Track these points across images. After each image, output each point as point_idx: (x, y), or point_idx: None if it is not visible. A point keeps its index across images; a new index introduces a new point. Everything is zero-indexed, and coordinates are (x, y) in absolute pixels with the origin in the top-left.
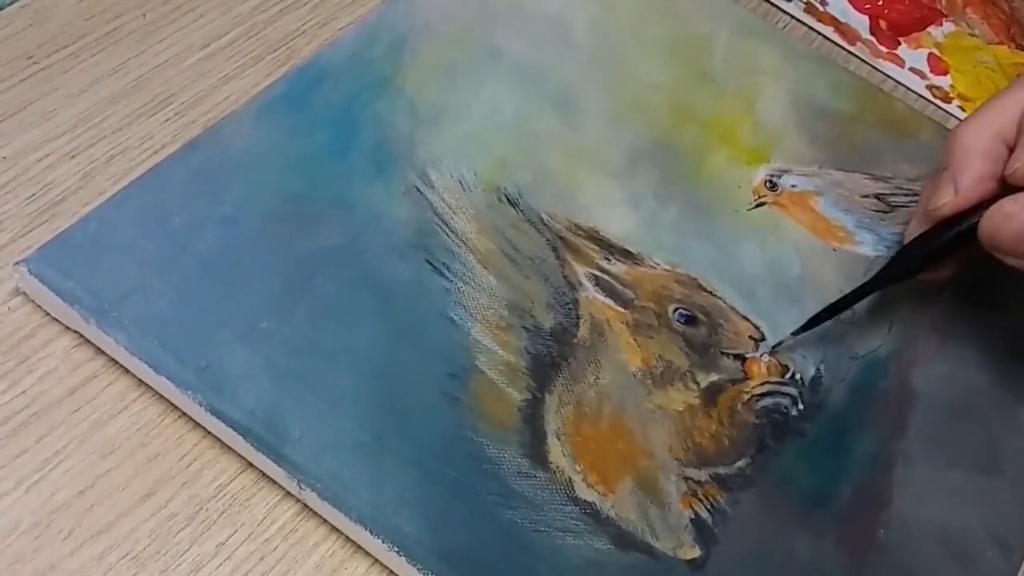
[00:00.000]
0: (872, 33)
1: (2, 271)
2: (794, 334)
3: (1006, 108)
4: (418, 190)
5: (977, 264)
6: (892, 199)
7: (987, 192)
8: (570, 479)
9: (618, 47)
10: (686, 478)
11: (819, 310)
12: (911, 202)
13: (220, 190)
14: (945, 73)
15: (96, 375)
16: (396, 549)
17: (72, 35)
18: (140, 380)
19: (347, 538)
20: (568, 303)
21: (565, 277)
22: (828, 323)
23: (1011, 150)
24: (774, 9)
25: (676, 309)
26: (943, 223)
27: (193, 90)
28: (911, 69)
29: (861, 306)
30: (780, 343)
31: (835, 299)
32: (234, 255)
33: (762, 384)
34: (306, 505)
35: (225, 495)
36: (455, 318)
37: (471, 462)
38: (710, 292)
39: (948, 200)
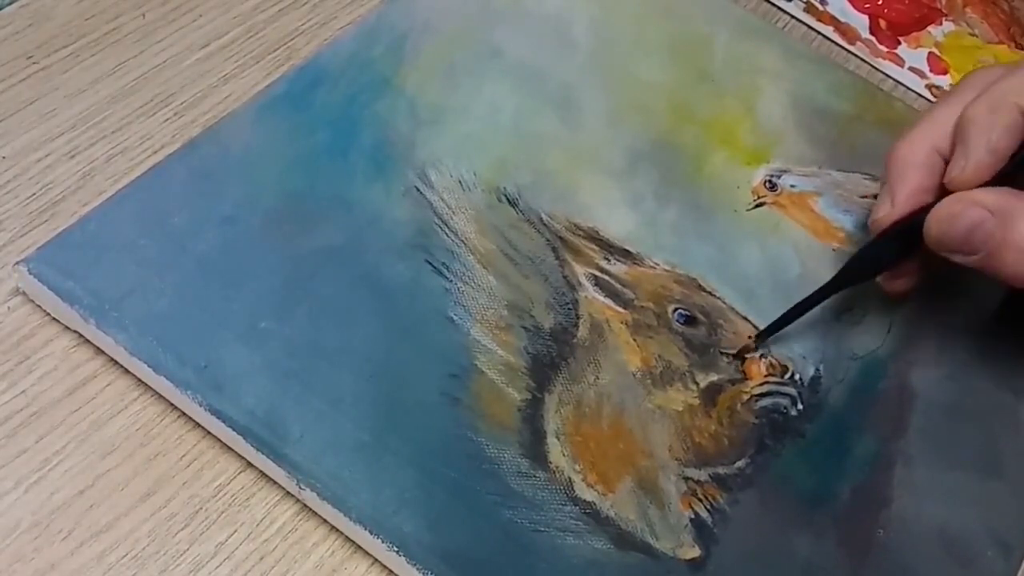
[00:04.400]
0: (872, 33)
1: (2, 271)
2: (757, 338)
3: (940, 121)
4: (418, 190)
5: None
6: None
7: (922, 203)
8: (570, 479)
9: (618, 47)
10: (686, 478)
11: (778, 316)
12: None
13: (220, 190)
14: (945, 72)
15: (96, 375)
16: (396, 549)
17: (72, 35)
18: (140, 380)
19: (347, 538)
20: (568, 303)
21: (565, 277)
22: (828, 322)
23: (947, 162)
24: (774, 9)
25: (676, 309)
26: (888, 232)
27: (192, 90)
28: (911, 69)
29: (861, 306)
30: (746, 347)
31: (796, 302)
32: (234, 255)
33: (761, 384)
34: (306, 505)
35: (225, 495)
36: (455, 318)
37: (471, 462)
38: (709, 292)
39: (885, 212)
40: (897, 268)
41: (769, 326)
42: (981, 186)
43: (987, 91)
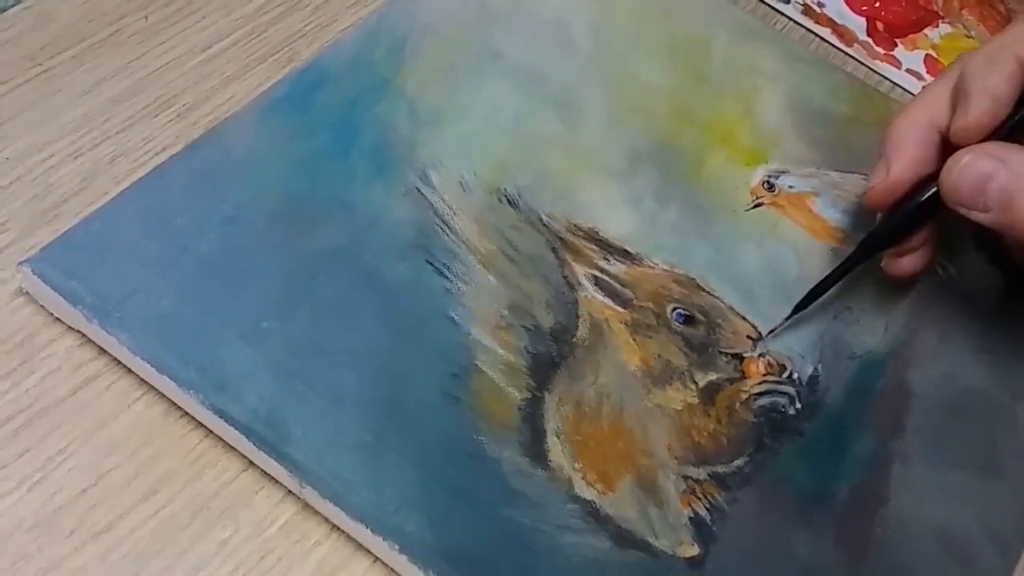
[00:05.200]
0: (869, 35)
1: (5, 271)
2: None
3: (938, 96)
4: (419, 191)
5: (977, 263)
6: None
7: (918, 174)
8: (570, 478)
9: (618, 49)
10: (685, 477)
11: (801, 297)
12: None
13: (222, 191)
14: None
15: (99, 375)
16: (397, 548)
17: (75, 37)
18: (143, 380)
19: (348, 537)
20: (568, 303)
21: (565, 277)
22: (827, 321)
23: (944, 136)
24: (772, 11)
25: (675, 309)
26: (901, 202)
27: (195, 92)
28: (908, 71)
29: (859, 305)
30: (770, 332)
31: (816, 282)
32: (236, 255)
33: (760, 383)
34: (307, 504)
35: (227, 494)
36: (455, 318)
37: (472, 461)
38: (709, 292)
39: (880, 179)
40: (906, 244)
41: (799, 302)
42: (988, 139)
43: (984, 47)
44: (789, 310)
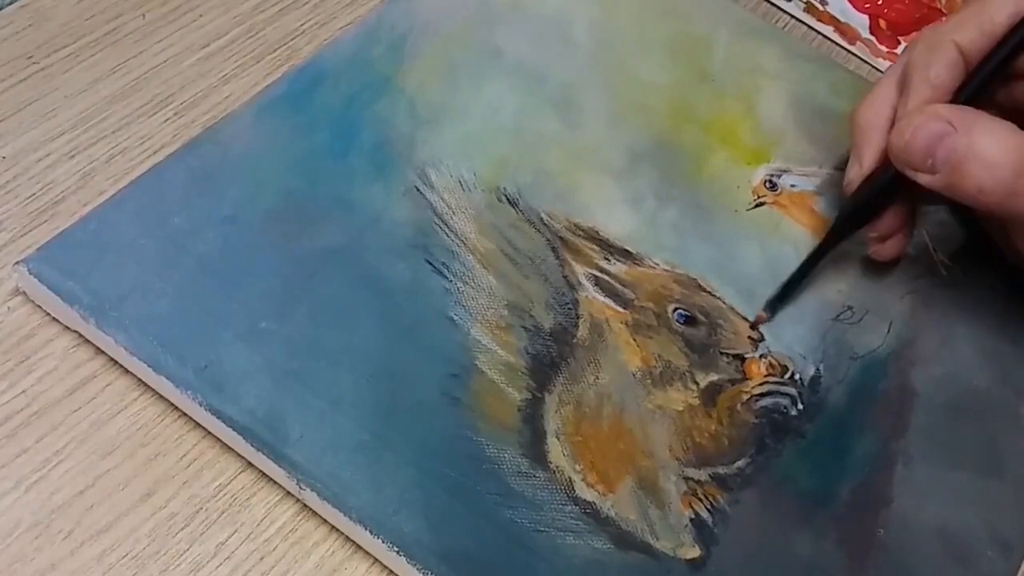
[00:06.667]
0: (872, 32)
1: (2, 271)
2: (767, 311)
3: (891, 85)
4: (418, 190)
5: (979, 262)
6: None
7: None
8: (570, 479)
9: (618, 47)
10: (686, 478)
11: (781, 283)
12: None
13: (220, 190)
14: None
15: (96, 375)
16: (396, 549)
17: (72, 35)
18: (140, 380)
19: (347, 538)
20: (568, 303)
21: (565, 277)
22: (828, 322)
23: None
24: (774, 9)
25: (675, 309)
26: (870, 178)
27: (192, 90)
28: None
29: (860, 306)
30: (754, 325)
31: (795, 268)
32: (234, 255)
33: (761, 384)
34: (306, 505)
35: (225, 495)
36: (455, 318)
37: (471, 462)
38: (709, 292)
39: (856, 174)
40: (881, 223)
41: (778, 294)
42: None
43: (923, 35)
44: (790, 310)
